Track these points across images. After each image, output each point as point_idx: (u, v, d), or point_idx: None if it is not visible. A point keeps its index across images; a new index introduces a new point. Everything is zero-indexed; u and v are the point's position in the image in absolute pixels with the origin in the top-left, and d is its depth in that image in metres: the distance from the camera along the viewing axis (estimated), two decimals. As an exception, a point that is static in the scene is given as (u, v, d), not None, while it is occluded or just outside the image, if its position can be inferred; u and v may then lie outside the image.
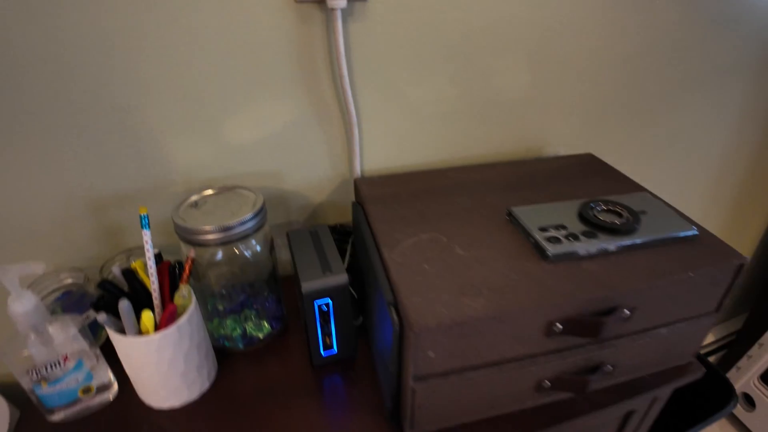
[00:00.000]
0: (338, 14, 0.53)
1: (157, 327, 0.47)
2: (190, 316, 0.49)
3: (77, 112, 0.52)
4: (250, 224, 0.52)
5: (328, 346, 0.55)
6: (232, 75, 0.55)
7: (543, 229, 0.50)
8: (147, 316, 0.46)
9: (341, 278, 0.51)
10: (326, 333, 0.54)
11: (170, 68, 0.52)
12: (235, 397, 0.53)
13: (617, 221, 0.51)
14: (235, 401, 0.52)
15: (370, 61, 0.59)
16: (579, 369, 0.49)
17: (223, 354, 0.58)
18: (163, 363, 0.48)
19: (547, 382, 0.49)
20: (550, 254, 0.47)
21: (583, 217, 0.52)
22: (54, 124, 0.51)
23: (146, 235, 0.47)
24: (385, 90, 0.61)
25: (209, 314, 0.56)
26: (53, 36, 0.47)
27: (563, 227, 0.51)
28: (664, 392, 0.57)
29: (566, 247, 0.47)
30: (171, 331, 0.47)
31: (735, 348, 1.34)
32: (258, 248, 0.54)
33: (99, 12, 0.47)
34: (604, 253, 0.48)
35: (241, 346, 0.58)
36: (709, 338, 1.39)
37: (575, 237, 0.49)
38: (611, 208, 0.54)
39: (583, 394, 0.53)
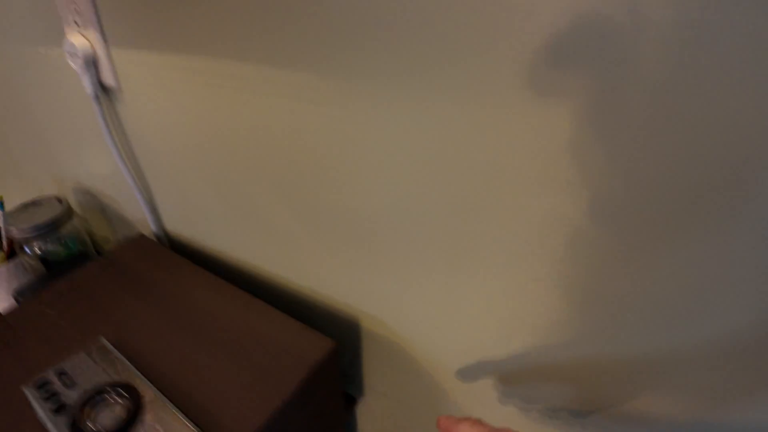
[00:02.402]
0: (92, 100, 0.61)
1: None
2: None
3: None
4: (35, 233, 0.71)
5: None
6: (58, 118, 0.71)
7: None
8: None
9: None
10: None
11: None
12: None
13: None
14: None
15: (144, 132, 0.62)
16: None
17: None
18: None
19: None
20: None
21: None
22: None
23: (0, 216, 0.74)
24: (166, 160, 0.63)
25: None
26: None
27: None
28: None
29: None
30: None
31: None
32: (46, 249, 0.74)
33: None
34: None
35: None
36: None
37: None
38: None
39: None
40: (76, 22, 0.57)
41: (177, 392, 0.46)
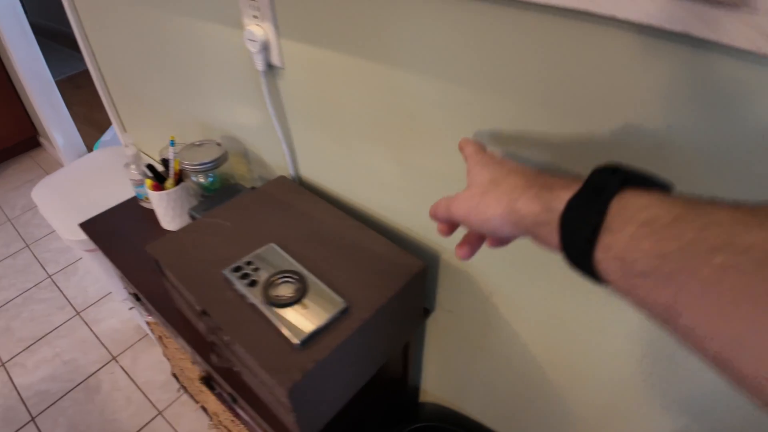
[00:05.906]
0: (261, 74, 0.83)
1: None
2: (168, 192, 1.01)
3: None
4: (201, 167, 0.96)
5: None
6: (222, 82, 0.94)
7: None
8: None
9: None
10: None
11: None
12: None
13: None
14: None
15: (295, 101, 0.85)
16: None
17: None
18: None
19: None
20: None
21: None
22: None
23: (170, 150, 1.00)
24: (307, 123, 0.86)
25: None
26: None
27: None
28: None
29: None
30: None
31: None
32: (205, 180, 0.99)
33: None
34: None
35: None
36: None
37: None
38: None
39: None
40: (255, 16, 0.79)
41: (324, 279, 0.71)
